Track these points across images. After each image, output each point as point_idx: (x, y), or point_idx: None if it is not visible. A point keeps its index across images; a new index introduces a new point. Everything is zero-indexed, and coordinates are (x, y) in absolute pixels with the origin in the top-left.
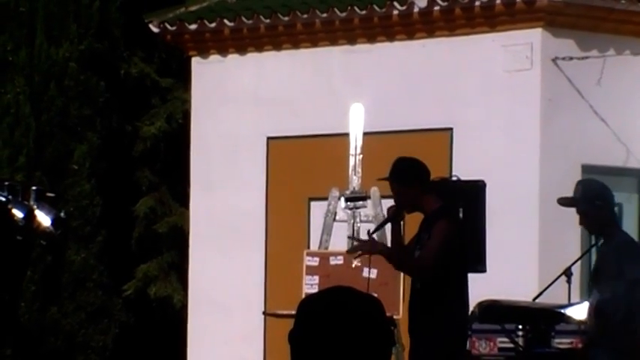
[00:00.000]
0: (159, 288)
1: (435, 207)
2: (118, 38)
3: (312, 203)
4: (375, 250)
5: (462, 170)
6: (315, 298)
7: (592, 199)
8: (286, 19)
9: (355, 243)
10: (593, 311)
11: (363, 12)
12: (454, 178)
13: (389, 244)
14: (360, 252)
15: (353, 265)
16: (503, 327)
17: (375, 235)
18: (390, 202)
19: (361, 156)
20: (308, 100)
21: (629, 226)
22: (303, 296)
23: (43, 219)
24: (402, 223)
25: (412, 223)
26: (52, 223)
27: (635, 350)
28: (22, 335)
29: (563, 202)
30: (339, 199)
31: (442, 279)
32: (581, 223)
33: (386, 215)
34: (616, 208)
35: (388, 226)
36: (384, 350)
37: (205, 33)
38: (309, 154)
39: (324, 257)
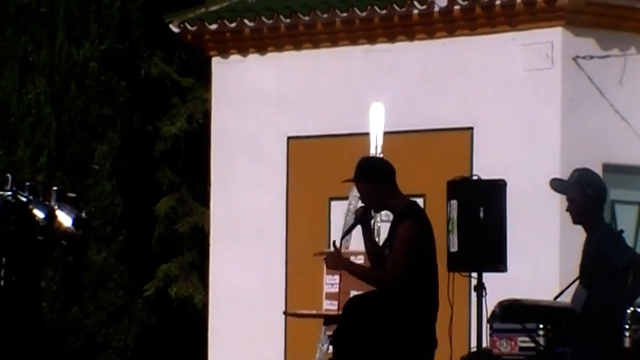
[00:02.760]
0: (180, 288)
1: (402, 206)
2: (138, 38)
3: (333, 203)
4: (338, 267)
5: (483, 169)
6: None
7: (584, 187)
8: (306, 18)
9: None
10: (580, 308)
11: (384, 11)
12: (475, 178)
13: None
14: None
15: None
16: (524, 326)
17: (349, 238)
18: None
19: (382, 155)
20: (328, 100)
21: None
22: (324, 295)
23: (64, 219)
24: (372, 223)
25: None
26: (73, 224)
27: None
28: (45, 335)
29: (555, 185)
30: (360, 198)
31: (408, 284)
32: (567, 209)
33: (354, 218)
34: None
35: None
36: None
37: (226, 33)
38: (329, 153)
39: (345, 256)
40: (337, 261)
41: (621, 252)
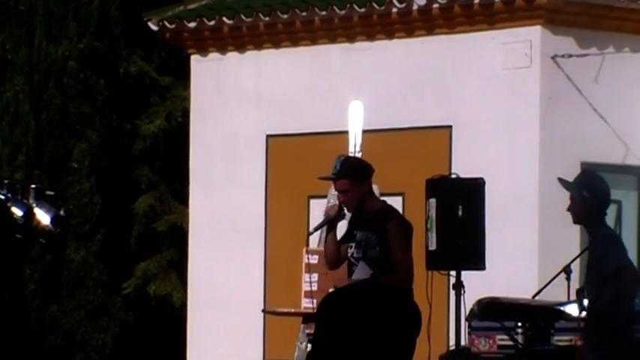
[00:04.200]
0: (158, 286)
1: (376, 206)
2: (117, 37)
3: (312, 201)
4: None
5: (462, 168)
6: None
7: (581, 188)
8: (285, 17)
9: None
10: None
11: (363, 10)
12: (453, 176)
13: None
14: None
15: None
16: (502, 324)
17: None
18: (386, 200)
19: (360, 154)
20: (307, 98)
21: (628, 223)
22: (303, 294)
23: (43, 217)
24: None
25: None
26: (52, 222)
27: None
28: (27, 334)
29: (562, 183)
30: (338, 196)
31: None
32: (568, 208)
33: (325, 215)
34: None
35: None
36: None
37: (204, 31)
38: (308, 151)
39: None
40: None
41: (611, 259)
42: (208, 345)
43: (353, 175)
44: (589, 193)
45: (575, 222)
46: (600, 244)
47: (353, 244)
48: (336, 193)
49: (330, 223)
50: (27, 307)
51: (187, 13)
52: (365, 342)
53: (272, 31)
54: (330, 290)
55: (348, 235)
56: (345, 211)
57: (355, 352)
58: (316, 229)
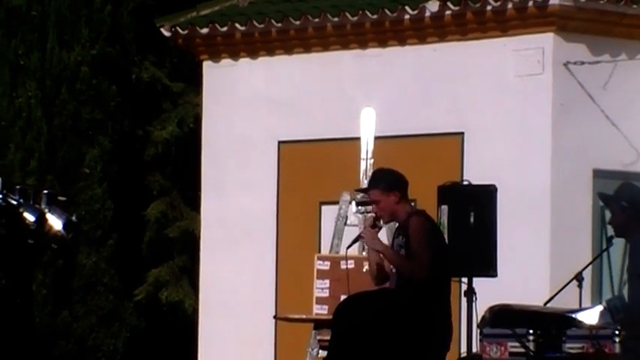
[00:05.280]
0: (170, 293)
1: (408, 213)
2: (129, 42)
3: (323, 207)
4: (376, 246)
5: (473, 174)
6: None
7: (619, 200)
8: (298, 23)
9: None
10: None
11: (375, 16)
12: (465, 183)
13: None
14: (355, 241)
15: (364, 270)
16: (514, 331)
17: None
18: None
19: (372, 160)
20: (319, 104)
21: None
22: (314, 300)
23: (55, 223)
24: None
25: None
26: (64, 227)
27: None
28: (36, 339)
29: (601, 197)
30: (350, 203)
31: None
32: (609, 222)
33: (363, 227)
34: None
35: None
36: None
37: (217, 37)
38: (320, 158)
39: (335, 261)
40: (375, 240)
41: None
42: (219, 351)
43: (382, 186)
44: (627, 203)
45: (616, 235)
46: (634, 246)
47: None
48: (348, 199)
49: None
50: (35, 312)
51: (199, 19)
52: (380, 350)
53: (284, 37)
54: (343, 297)
55: (391, 245)
56: (381, 222)
57: (370, 358)
58: (354, 242)
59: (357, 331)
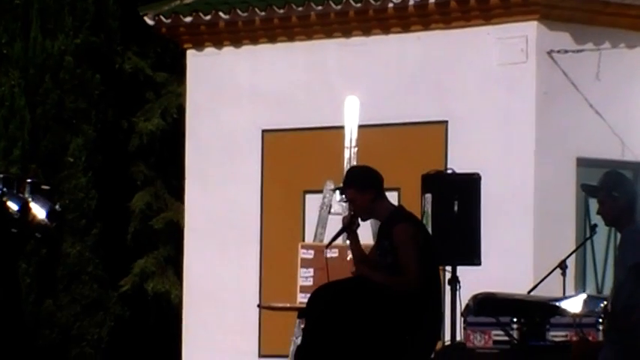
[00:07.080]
0: (156, 283)
1: (387, 213)
2: (114, 31)
3: (307, 196)
4: (361, 273)
5: (457, 163)
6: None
7: (609, 189)
8: (281, 11)
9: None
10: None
11: (359, 5)
12: (449, 171)
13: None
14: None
15: (348, 258)
16: (498, 320)
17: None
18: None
19: (356, 149)
20: (303, 93)
21: None
22: (298, 289)
23: (38, 212)
24: (358, 232)
25: None
26: (47, 216)
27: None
28: (23, 328)
29: (585, 188)
30: (334, 191)
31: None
32: (598, 212)
33: (341, 225)
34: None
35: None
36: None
37: (200, 25)
38: (304, 147)
39: (319, 250)
40: (359, 267)
41: (630, 254)
42: (204, 340)
43: (356, 184)
44: (619, 193)
45: (607, 224)
46: (623, 238)
47: (378, 253)
48: (332, 187)
49: (343, 232)
50: (22, 301)
51: (183, 7)
52: (354, 337)
53: (268, 26)
54: (320, 285)
55: (376, 246)
56: (359, 220)
57: (344, 347)
58: (332, 241)
59: (329, 318)
